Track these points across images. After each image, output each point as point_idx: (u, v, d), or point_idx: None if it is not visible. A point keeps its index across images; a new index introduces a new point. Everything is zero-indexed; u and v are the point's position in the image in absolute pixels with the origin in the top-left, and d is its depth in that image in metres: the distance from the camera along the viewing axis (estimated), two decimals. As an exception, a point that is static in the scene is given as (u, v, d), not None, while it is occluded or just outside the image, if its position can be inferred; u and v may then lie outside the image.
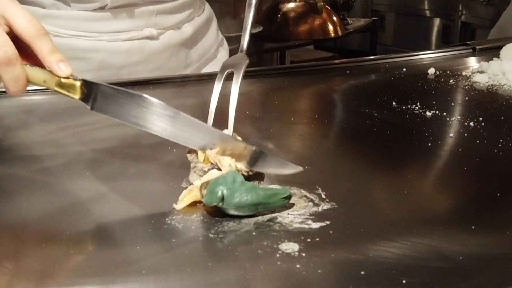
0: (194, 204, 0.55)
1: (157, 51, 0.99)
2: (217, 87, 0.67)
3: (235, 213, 0.53)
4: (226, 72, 0.69)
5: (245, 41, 0.73)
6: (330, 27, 2.44)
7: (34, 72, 0.60)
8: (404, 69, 1.03)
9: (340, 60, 1.10)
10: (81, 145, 0.74)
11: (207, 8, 1.13)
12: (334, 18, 2.46)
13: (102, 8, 0.92)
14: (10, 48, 0.59)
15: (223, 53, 1.15)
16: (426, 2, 3.70)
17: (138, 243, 0.50)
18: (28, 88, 0.87)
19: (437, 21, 3.67)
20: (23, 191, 0.61)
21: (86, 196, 0.60)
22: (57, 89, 0.61)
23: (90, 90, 0.61)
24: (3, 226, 0.54)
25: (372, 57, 1.11)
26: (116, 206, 0.57)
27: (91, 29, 0.93)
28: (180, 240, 0.50)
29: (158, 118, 0.60)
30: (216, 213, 0.54)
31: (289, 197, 0.55)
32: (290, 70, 1.10)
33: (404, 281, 0.44)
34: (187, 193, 0.56)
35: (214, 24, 1.14)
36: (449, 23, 3.57)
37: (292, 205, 0.56)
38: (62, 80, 0.60)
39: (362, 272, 0.45)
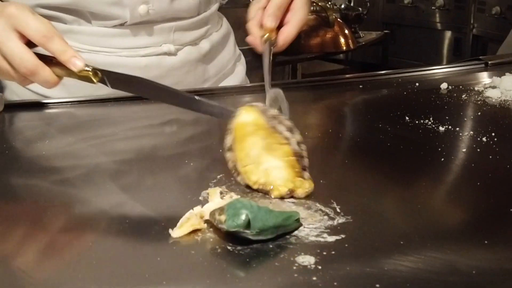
0: (193, 232, 0.54)
1: (175, 66, 1.01)
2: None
3: (257, 237, 0.52)
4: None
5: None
6: (342, 40, 2.46)
7: (58, 71, 0.71)
8: (417, 84, 1.04)
9: (353, 75, 1.12)
10: (100, 156, 0.76)
11: (225, 23, 1.15)
12: (346, 31, 2.48)
13: (121, 25, 0.95)
14: (29, 61, 0.69)
15: (240, 68, 1.17)
16: (437, 15, 3.71)
17: (158, 255, 0.51)
18: (47, 101, 0.90)
19: (448, 34, 3.68)
20: (43, 202, 0.63)
21: (106, 207, 0.62)
22: (79, 78, 0.71)
23: (102, 76, 0.71)
24: (26, 237, 0.56)
25: (384, 71, 1.13)
26: (135, 217, 0.59)
27: (110, 45, 0.95)
28: (199, 252, 0.52)
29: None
30: (227, 237, 0.53)
31: (299, 219, 0.56)
32: (303, 84, 1.12)
33: (418, 294, 0.45)
34: (184, 221, 0.54)
35: (232, 39, 1.16)
36: (461, 36, 3.58)
37: (308, 218, 0.57)
38: (78, 72, 0.70)
39: (377, 285, 0.46)
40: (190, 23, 1.01)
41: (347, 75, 1.11)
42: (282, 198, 0.61)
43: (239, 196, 0.60)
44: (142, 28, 0.96)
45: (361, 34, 2.70)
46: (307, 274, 0.48)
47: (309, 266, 0.49)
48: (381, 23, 3.75)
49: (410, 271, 0.48)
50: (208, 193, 0.61)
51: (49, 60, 0.71)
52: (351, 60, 3.65)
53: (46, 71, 0.70)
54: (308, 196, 0.62)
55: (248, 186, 0.64)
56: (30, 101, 0.94)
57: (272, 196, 0.62)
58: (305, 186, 0.62)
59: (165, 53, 0.99)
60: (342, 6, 2.74)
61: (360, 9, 2.74)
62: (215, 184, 0.65)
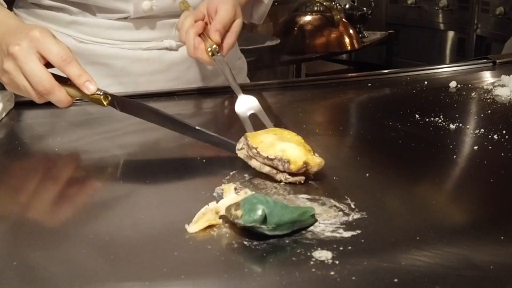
0: (209, 227, 0.54)
1: (176, 62, 1.02)
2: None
3: (273, 233, 0.52)
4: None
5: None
6: (347, 40, 2.46)
7: (72, 91, 0.76)
8: (426, 82, 1.04)
9: (362, 73, 1.12)
10: (115, 149, 0.78)
11: None
12: (351, 31, 2.48)
13: (125, 18, 0.96)
14: (47, 81, 0.74)
15: (242, 67, 1.17)
16: (441, 15, 3.71)
17: (175, 249, 0.51)
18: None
19: (452, 35, 3.68)
20: (55, 197, 0.63)
21: (120, 202, 0.62)
22: (90, 100, 0.76)
23: (112, 99, 0.76)
24: (42, 232, 0.56)
25: (393, 70, 1.13)
26: (151, 211, 0.59)
27: (113, 37, 0.97)
28: (215, 247, 0.52)
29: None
30: (243, 232, 0.53)
31: (314, 215, 0.56)
32: (312, 82, 1.12)
33: (436, 289, 0.45)
34: (200, 216, 0.55)
35: None
36: (465, 37, 3.57)
37: (322, 214, 0.57)
38: (90, 95, 0.75)
39: (396, 280, 0.46)
40: None
41: (356, 74, 1.11)
42: (296, 173, 0.63)
43: (254, 192, 0.60)
44: (145, 23, 0.97)
45: (365, 34, 2.70)
46: (325, 269, 0.48)
47: (326, 261, 0.49)
48: (385, 23, 3.75)
49: (427, 266, 0.48)
50: (222, 189, 0.61)
51: (64, 81, 0.76)
52: (354, 60, 3.65)
53: (61, 92, 0.75)
54: (322, 192, 0.62)
55: (259, 173, 0.65)
56: None
57: (290, 169, 0.63)
58: (317, 161, 0.64)
59: (167, 48, 1.00)
60: (347, 6, 2.74)
61: (364, 9, 2.74)
62: (228, 180, 0.65)
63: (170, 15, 0.99)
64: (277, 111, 0.94)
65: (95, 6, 0.95)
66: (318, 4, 2.52)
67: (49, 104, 0.91)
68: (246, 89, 1.05)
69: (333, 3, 2.54)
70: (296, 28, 2.45)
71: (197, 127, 0.73)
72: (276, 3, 2.57)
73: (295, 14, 2.53)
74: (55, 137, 0.81)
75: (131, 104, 0.76)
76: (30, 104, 0.92)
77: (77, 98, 0.79)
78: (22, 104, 0.91)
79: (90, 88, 0.75)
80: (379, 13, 3.76)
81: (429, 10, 3.74)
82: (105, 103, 0.75)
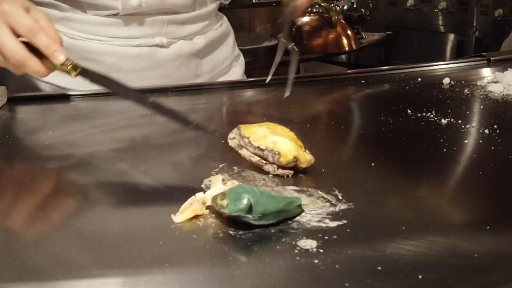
0: (195, 217, 0.55)
1: (167, 59, 1.01)
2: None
3: (259, 222, 0.52)
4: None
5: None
6: (345, 41, 2.46)
7: (48, 63, 0.76)
8: (419, 79, 1.04)
9: (356, 70, 1.12)
10: (100, 144, 0.78)
11: (225, 23, 1.15)
12: (349, 32, 2.48)
13: (115, 15, 0.96)
14: (19, 53, 0.75)
15: (238, 68, 1.17)
16: (440, 17, 3.71)
17: (160, 239, 0.51)
18: (45, 93, 0.91)
19: (451, 37, 3.68)
20: (45, 189, 0.63)
21: (108, 194, 0.62)
22: (60, 70, 0.76)
23: (81, 71, 0.76)
24: (28, 223, 0.56)
25: (387, 67, 1.13)
26: (137, 202, 0.59)
27: (103, 33, 0.97)
28: (201, 236, 0.52)
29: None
30: (229, 222, 0.54)
31: (300, 205, 0.56)
32: (307, 79, 1.12)
33: (420, 277, 0.45)
34: (187, 206, 0.55)
35: (231, 39, 1.16)
36: (464, 39, 3.58)
37: (309, 205, 0.57)
38: (59, 66, 0.75)
39: (379, 268, 0.46)
40: (184, 18, 1.02)
41: (351, 71, 1.11)
42: (285, 167, 0.64)
43: (241, 183, 0.60)
44: (134, 19, 0.97)
45: (363, 35, 2.70)
46: (309, 257, 0.48)
47: (310, 250, 0.49)
48: (384, 25, 3.75)
49: (412, 255, 0.48)
50: (210, 181, 0.61)
51: (41, 54, 0.76)
52: (353, 62, 3.65)
53: (35, 63, 0.75)
54: (310, 184, 0.62)
55: (249, 166, 0.65)
56: (31, 94, 0.95)
57: (280, 161, 0.63)
58: (307, 158, 0.65)
59: (157, 45, 1.00)
60: (345, 7, 2.74)
61: (362, 10, 2.74)
62: (217, 172, 0.65)
63: (160, 12, 0.98)
64: (270, 106, 0.95)
65: (86, 2, 0.95)
66: (316, 5, 2.52)
67: (41, 99, 0.92)
68: (241, 85, 1.07)
69: (331, 5, 2.54)
70: (294, 29, 2.45)
71: (150, 99, 0.72)
72: (274, 4, 2.57)
73: (293, 15, 2.53)
74: (46, 131, 0.81)
75: (100, 77, 0.76)
76: (23, 100, 0.92)
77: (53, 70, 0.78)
78: (15, 100, 0.91)
79: (58, 58, 0.75)
80: (378, 16, 3.76)
81: (428, 12, 3.75)
82: (72, 74, 0.75)
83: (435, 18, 3.73)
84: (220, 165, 0.67)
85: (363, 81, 1.06)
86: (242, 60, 1.20)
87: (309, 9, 2.56)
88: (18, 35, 0.75)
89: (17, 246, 0.51)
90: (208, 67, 1.09)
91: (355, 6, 2.98)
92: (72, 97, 0.92)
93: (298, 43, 2.50)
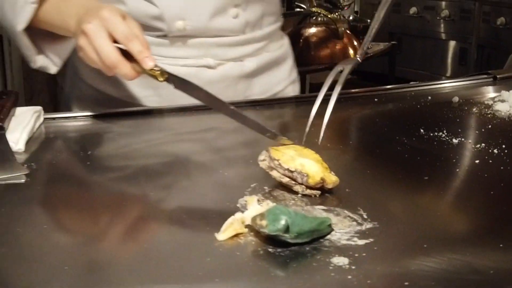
0: (235, 236, 0.60)
1: (214, 80, 1.05)
2: (326, 84, 0.83)
3: (295, 241, 0.58)
4: (337, 70, 0.81)
5: (364, 45, 0.88)
6: (351, 51, 2.52)
7: (137, 67, 0.83)
8: (429, 97, 1.10)
9: (368, 89, 1.17)
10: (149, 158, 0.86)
11: (285, 46, 1.17)
12: (355, 42, 2.54)
13: (164, 36, 1.02)
14: (113, 56, 0.82)
15: (291, 92, 1.18)
16: (442, 25, 3.77)
17: (207, 255, 0.57)
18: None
19: (453, 44, 3.74)
20: (92, 206, 0.69)
21: (152, 212, 0.68)
22: (149, 75, 0.83)
23: (168, 76, 0.83)
24: (83, 237, 0.62)
25: (398, 85, 1.19)
26: (182, 221, 0.65)
27: (154, 52, 1.01)
28: (243, 253, 0.58)
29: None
30: (267, 240, 0.59)
31: (331, 225, 0.62)
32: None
33: (443, 291, 0.51)
34: (228, 226, 0.61)
35: (289, 62, 1.17)
36: (466, 46, 3.63)
37: (338, 224, 0.63)
38: (149, 70, 0.83)
39: (406, 283, 0.52)
40: (233, 40, 1.05)
41: (362, 89, 1.16)
42: (313, 187, 0.69)
43: (275, 204, 0.66)
44: (181, 41, 1.03)
45: (369, 45, 2.76)
46: (343, 273, 0.54)
47: (343, 266, 0.55)
48: (387, 33, 3.81)
49: (434, 271, 0.54)
50: (246, 201, 0.67)
51: (132, 58, 0.84)
52: (358, 70, 3.70)
53: (126, 66, 0.83)
54: (336, 204, 0.68)
55: (280, 184, 0.71)
56: (94, 113, 1.02)
57: (308, 182, 0.69)
58: (333, 179, 0.71)
59: (204, 66, 1.04)
60: (351, 17, 2.81)
61: (368, 20, 2.80)
62: (250, 192, 0.71)
63: (207, 35, 1.03)
64: (289, 125, 1.00)
65: (141, 25, 1.01)
66: (322, 16, 2.59)
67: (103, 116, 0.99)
68: (253, 104, 1.11)
69: (337, 15, 2.60)
70: (301, 40, 2.52)
71: (231, 107, 0.80)
72: (281, 16, 2.63)
73: (300, 27, 2.59)
74: (92, 148, 0.87)
75: (184, 82, 0.83)
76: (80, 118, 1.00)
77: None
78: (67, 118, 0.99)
79: (148, 64, 0.82)
80: (381, 23, 3.82)
81: (431, 20, 3.81)
82: (160, 79, 0.83)
83: (438, 26, 3.79)
84: (252, 185, 0.72)
85: (375, 99, 1.11)
86: (298, 84, 1.21)
87: (315, 19, 2.63)
88: (114, 40, 0.83)
89: (79, 259, 0.56)
90: (258, 90, 1.11)
91: (359, 16, 3.05)
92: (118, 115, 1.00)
93: (305, 54, 2.56)
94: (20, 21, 0.93)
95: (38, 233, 0.62)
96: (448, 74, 3.76)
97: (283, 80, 1.16)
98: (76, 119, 0.99)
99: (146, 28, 1.00)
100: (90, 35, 0.83)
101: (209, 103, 0.83)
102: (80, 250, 0.59)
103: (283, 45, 1.17)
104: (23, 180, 0.73)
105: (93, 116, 0.99)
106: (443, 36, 3.79)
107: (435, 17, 3.78)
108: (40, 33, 0.98)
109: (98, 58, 0.83)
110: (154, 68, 0.82)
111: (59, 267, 0.55)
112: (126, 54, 0.83)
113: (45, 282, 0.53)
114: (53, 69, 1.02)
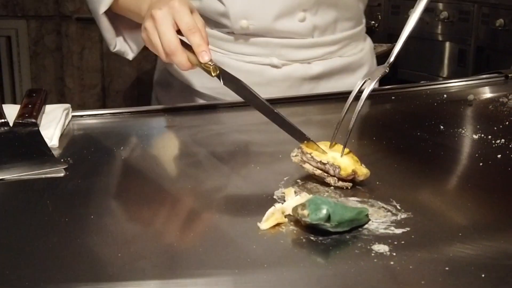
0: (277, 225, 0.63)
1: (277, 79, 1.09)
2: (352, 93, 0.80)
3: (335, 229, 0.60)
4: (363, 80, 0.80)
5: (392, 54, 0.86)
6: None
7: (193, 59, 0.88)
8: (445, 95, 1.13)
9: (385, 87, 1.20)
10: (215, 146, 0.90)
11: (363, 51, 1.18)
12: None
13: (232, 33, 1.08)
14: (173, 43, 0.87)
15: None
16: (441, 27, 3.80)
17: (253, 243, 0.59)
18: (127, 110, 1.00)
19: (452, 46, 3.77)
20: (138, 197, 0.71)
21: (196, 206, 0.70)
22: (202, 69, 0.88)
23: (220, 73, 0.86)
24: (132, 223, 0.64)
25: (414, 84, 1.22)
26: (225, 213, 0.67)
27: (223, 47, 1.09)
28: (287, 241, 0.60)
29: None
30: (307, 229, 0.62)
31: (368, 215, 0.64)
32: (340, 96, 1.20)
33: (483, 275, 0.53)
34: (270, 215, 0.63)
35: (363, 71, 1.17)
36: (465, 48, 3.67)
37: (374, 214, 0.66)
38: (203, 64, 0.87)
39: (447, 268, 0.55)
40: (299, 43, 1.08)
41: (380, 87, 1.19)
42: (345, 179, 0.72)
43: (311, 195, 0.68)
44: (246, 39, 1.08)
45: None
46: (385, 260, 0.56)
47: (384, 253, 0.57)
48: (386, 34, 3.84)
49: (471, 257, 0.57)
50: (283, 192, 0.70)
51: (191, 49, 0.88)
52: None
53: (183, 56, 0.88)
54: (369, 196, 0.70)
55: (309, 178, 0.74)
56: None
57: (340, 174, 0.71)
58: (364, 171, 0.73)
59: (269, 65, 1.08)
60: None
61: (372, 22, 2.83)
62: (283, 185, 0.73)
63: (272, 35, 1.07)
64: (310, 122, 1.03)
65: (212, 20, 1.07)
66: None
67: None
68: (272, 103, 1.13)
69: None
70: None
71: (275, 110, 0.80)
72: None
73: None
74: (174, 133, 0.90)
75: (233, 80, 0.85)
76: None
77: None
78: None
79: (204, 58, 0.86)
80: (380, 24, 3.86)
81: (430, 22, 3.84)
82: (212, 74, 0.86)
83: (436, 27, 3.82)
84: (285, 178, 0.75)
85: (393, 97, 1.14)
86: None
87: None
88: (177, 30, 0.87)
89: (133, 245, 0.59)
90: (316, 88, 1.13)
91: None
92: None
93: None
94: (102, 5, 1.00)
95: (87, 222, 0.64)
96: (447, 75, 3.79)
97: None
98: (103, 117, 1.01)
99: (215, 24, 1.07)
100: (157, 20, 0.87)
101: (253, 104, 0.83)
102: (129, 240, 0.61)
103: (363, 49, 1.19)
104: (62, 174, 0.75)
105: (120, 114, 1.01)
106: (442, 37, 3.82)
107: (434, 19, 3.80)
108: (123, 21, 1.05)
109: (159, 42, 0.87)
110: (209, 63, 0.86)
111: (113, 254, 0.57)
112: (186, 46, 0.87)
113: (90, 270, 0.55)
114: (130, 55, 1.09)
